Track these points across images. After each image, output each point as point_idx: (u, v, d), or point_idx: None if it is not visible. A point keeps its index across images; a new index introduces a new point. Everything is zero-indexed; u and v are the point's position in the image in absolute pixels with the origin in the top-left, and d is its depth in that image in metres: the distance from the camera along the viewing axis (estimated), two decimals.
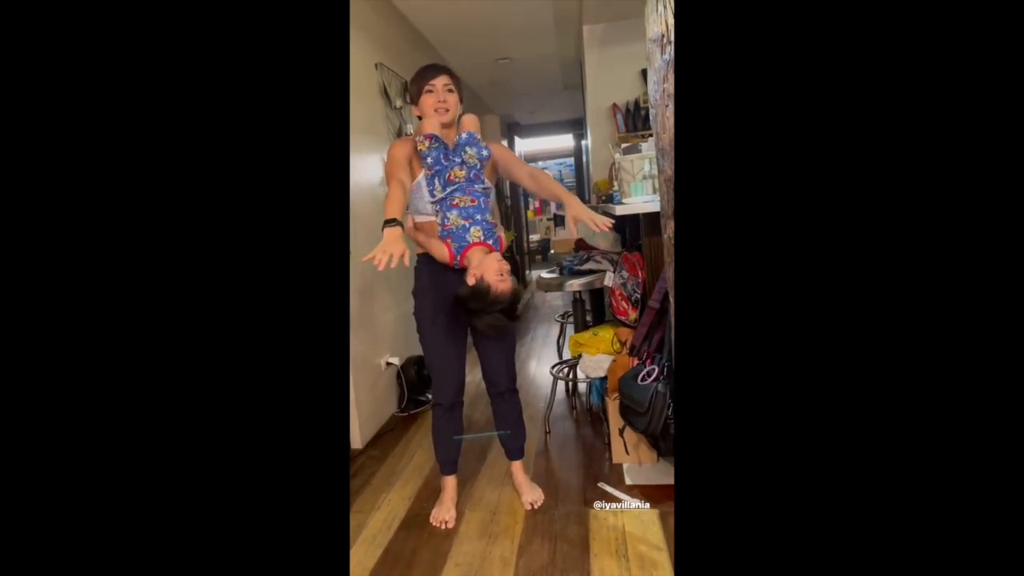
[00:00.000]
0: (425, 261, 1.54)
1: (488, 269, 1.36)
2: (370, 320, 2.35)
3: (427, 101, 1.50)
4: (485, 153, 1.49)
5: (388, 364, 2.50)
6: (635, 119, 3.35)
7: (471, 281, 1.36)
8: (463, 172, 1.44)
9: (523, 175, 1.53)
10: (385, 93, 2.70)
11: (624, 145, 2.09)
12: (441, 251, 1.44)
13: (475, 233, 1.43)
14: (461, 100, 1.56)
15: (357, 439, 2.20)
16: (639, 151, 1.93)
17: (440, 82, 1.50)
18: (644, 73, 3.29)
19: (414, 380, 2.58)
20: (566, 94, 5.53)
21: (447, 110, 1.50)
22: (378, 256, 1.11)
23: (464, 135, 1.48)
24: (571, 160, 8.51)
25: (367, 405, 2.28)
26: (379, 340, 2.45)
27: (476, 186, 1.46)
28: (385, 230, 1.21)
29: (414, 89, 1.53)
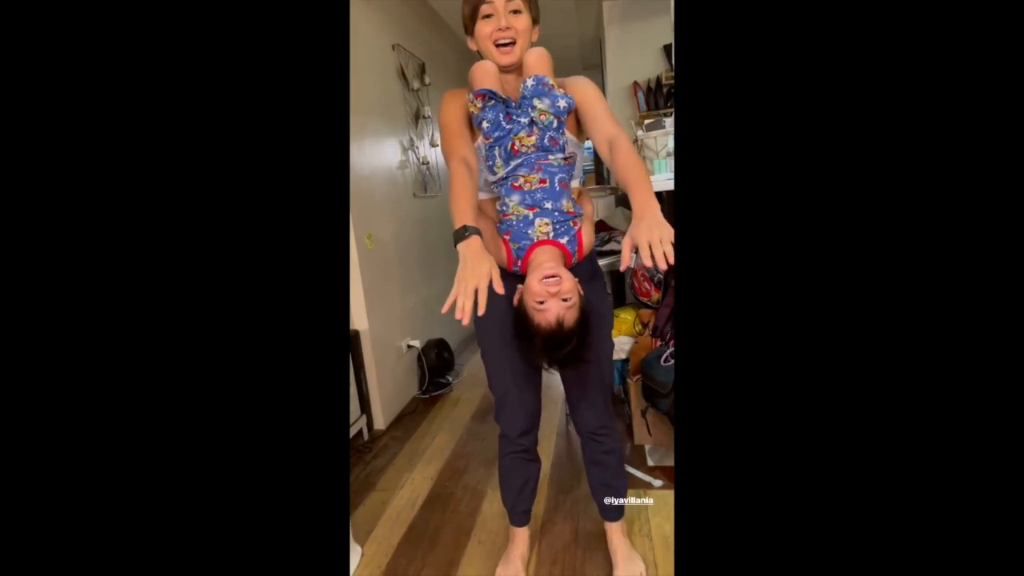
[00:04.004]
0: None
1: (527, 289, 0.92)
2: (391, 303, 2.36)
3: (482, 30, 0.99)
4: (562, 105, 0.98)
5: (409, 347, 2.52)
6: (657, 97, 3.27)
7: (515, 300, 0.96)
8: (533, 138, 0.97)
9: (600, 140, 0.99)
10: (402, 75, 2.68)
11: (647, 121, 2.04)
12: (499, 251, 1.00)
13: (541, 227, 0.97)
14: (536, 21, 1.02)
15: (380, 420, 2.23)
16: (663, 127, 1.89)
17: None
18: (666, 49, 3.21)
19: (434, 363, 2.60)
20: (586, 74, 5.42)
21: (512, 41, 0.98)
22: (459, 301, 0.76)
23: (530, 82, 0.98)
24: (590, 143, 8.37)
25: (388, 387, 2.30)
26: (400, 323, 2.47)
27: (551, 156, 0.98)
28: (459, 247, 0.82)
29: (467, 10, 1.01)
